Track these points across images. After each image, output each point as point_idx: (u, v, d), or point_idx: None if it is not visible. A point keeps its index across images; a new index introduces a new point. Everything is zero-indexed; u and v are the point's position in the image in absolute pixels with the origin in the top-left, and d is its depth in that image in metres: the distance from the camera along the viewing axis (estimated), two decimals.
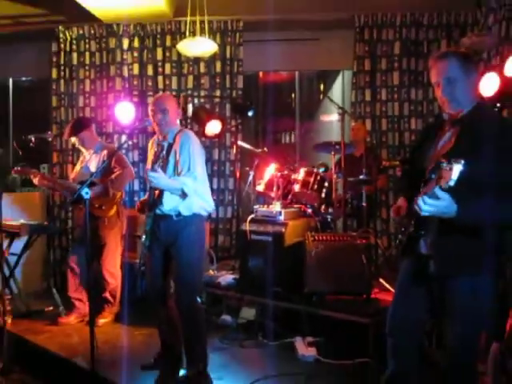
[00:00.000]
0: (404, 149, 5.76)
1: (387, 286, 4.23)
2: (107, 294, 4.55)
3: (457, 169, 1.85)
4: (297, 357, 3.70)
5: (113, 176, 4.36)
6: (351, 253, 3.96)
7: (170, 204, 3.19)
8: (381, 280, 4.35)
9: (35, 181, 4.47)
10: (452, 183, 1.87)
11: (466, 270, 2.19)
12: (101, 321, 4.44)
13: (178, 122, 3.46)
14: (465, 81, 2.23)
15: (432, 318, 2.55)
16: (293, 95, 7.17)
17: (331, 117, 7.04)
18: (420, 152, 2.44)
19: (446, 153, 2.21)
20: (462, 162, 1.85)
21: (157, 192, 3.23)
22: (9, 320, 4.28)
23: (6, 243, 4.61)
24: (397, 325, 2.46)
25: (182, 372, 3.36)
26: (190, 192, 3.13)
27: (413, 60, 5.69)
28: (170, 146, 3.26)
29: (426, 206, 1.97)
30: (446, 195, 1.95)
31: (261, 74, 7.20)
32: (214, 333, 4.10)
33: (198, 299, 3.35)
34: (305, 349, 3.74)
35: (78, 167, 4.69)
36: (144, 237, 3.25)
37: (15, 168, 4.58)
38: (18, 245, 4.72)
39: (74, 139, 4.55)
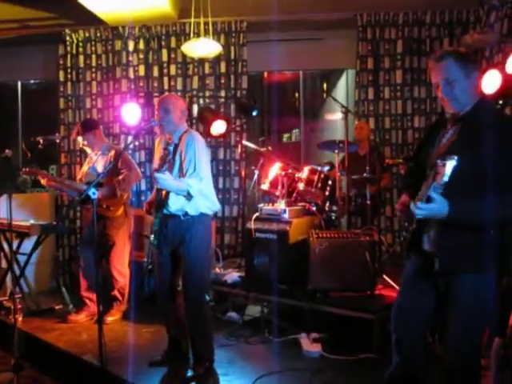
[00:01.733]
0: (407, 147, 5.79)
1: (391, 282, 4.27)
2: (116, 292, 4.62)
3: (450, 164, 1.92)
4: (302, 353, 3.74)
5: (120, 177, 4.42)
6: (355, 250, 3.99)
7: (175, 204, 3.25)
8: (385, 276, 4.38)
9: (43, 182, 4.55)
10: (446, 178, 1.94)
11: (469, 267, 2.22)
12: (109, 318, 4.51)
13: (185, 123, 3.49)
14: (464, 80, 2.24)
15: (436, 314, 2.58)
16: (297, 94, 7.21)
17: (335, 115, 7.08)
18: (424, 150, 2.47)
19: (446, 150, 2.25)
20: (455, 157, 1.91)
21: (163, 192, 3.28)
22: (19, 318, 4.36)
23: (16, 243, 4.70)
24: (401, 321, 2.48)
25: (189, 369, 3.42)
26: (195, 193, 3.19)
27: (415, 58, 5.71)
28: (176, 146, 3.31)
29: (419, 210, 2.06)
30: (438, 196, 2.01)
31: (265, 73, 7.23)
32: (220, 329, 4.16)
33: (206, 297, 3.40)
34: (310, 345, 3.79)
35: (84, 168, 4.75)
36: (153, 236, 3.32)
37: (24, 169, 4.66)
38: (28, 245, 4.78)
39: (80, 139, 4.61)
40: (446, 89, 2.28)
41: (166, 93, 5.73)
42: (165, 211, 3.29)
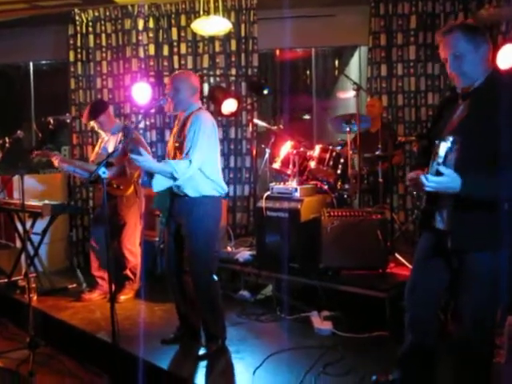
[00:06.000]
0: (421, 124, 5.71)
1: (403, 260, 4.25)
2: (128, 272, 4.65)
3: (443, 146, 1.92)
4: (313, 331, 3.75)
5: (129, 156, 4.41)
6: (366, 228, 3.97)
7: (160, 185, 3.14)
8: (397, 255, 4.37)
9: (55, 163, 4.56)
10: (440, 159, 1.93)
11: (483, 245, 2.20)
12: (122, 297, 4.55)
13: (198, 100, 3.44)
14: (473, 54, 2.20)
15: (449, 292, 2.56)
16: (309, 72, 7.13)
17: (348, 93, 6.99)
18: (437, 126, 2.43)
19: (457, 126, 2.21)
20: (451, 139, 1.91)
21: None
22: (34, 297, 4.45)
23: (29, 223, 4.75)
24: (415, 299, 2.49)
25: (201, 347, 3.44)
26: (180, 177, 3.09)
27: (429, 34, 5.58)
28: (184, 124, 3.29)
29: (430, 182, 2.02)
30: (448, 170, 1.98)
31: (277, 51, 7.15)
32: (232, 308, 4.19)
33: (215, 277, 3.39)
34: (320, 323, 3.80)
35: (97, 149, 4.76)
36: (161, 214, 3.32)
37: (35, 151, 4.66)
38: (42, 225, 4.83)
39: (92, 123, 4.61)
40: (454, 64, 2.24)
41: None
42: (173, 190, 3.28)
